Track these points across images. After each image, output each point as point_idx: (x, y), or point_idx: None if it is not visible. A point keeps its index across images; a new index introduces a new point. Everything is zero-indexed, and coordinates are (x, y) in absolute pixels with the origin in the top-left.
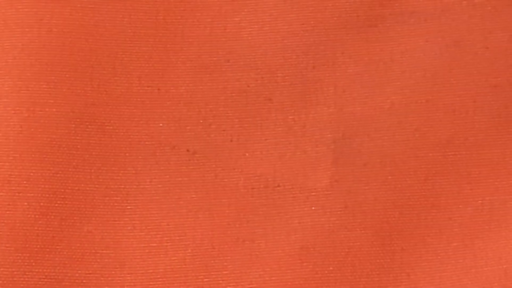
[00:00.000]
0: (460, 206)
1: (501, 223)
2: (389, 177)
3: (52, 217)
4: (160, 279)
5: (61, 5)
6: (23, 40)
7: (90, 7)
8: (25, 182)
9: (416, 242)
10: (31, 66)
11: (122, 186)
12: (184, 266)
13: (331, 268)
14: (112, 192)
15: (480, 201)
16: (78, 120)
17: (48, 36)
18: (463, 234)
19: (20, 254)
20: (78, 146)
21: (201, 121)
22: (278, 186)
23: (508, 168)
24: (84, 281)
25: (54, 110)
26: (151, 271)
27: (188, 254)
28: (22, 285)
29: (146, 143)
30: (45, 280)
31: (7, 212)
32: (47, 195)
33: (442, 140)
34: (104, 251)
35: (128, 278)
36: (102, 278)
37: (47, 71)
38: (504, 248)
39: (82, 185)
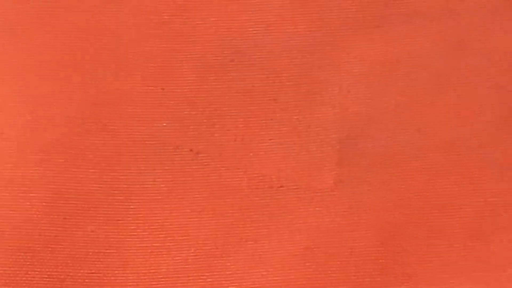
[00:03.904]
0: (463, 207)
1: (504, 225)
2: (393, 178)
3: (55, 216)
4: (163, 279)
5: (64, 5)
6: (25, 40)
7: (94, 7)
8: (28, 182)
9: (419, 243)
10: (34, 66)
11: (126, 186)
12: (187, 266)
13: (334, 268)
14: (115, 192)
15: (482, 202)
16: (81, 120)
17: (50, 37)
18: (465, 236)
19: (23, 254)
20: (81, 146)
21: (205, 121)
22: (282, 186)
23: (511, 169)
24: (86, 280)
25: (57, 110)
26: (154, 270)
27: (191, 254)
28: (24, 284)
29: (150, 142)
30: (48, 279)
31: (11, 212)
32: (50, 195)
33: (445, 141)
34: (107, 251)
35: (131, 277)
36: (105, 278)
37: (50, 72)
38: (507, 250)
39: (85, 184)
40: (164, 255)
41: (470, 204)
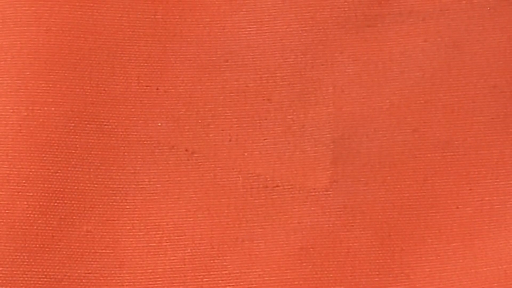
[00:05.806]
0: (460, 206)
1: (501, 224)
2: (388, 177)
3: (52, 216)
4: (159, 279)
5: (60, 4)
6: (21, 39)
7: (89, 6)
8: (24, 181)
9: (416, 242)
10: (30, 65)
11: (121, 186)
12: (183, 266)
13: (330, 269)
14: (111, 192)
15: (479, 202)
16: (77, 119)
17: (47, 35)
18: (463, 235)
19: (19, 254)
20: (77, 145)
21: (200, 121)
22: (277, 186)
23: (507, 168)
24: (83, 280)
25: (53, 109)
26: (150, 270)
27: (188, 254)
28: (21, 284)
29: (145, 142)
30: (44, 279)
31: (6, 211)
32: (46, 195)
33: (441, 140)
34: (103, 251)
35: (127, 277)
36: (101, 278)
37: (46, 70)
38: (504, 248)
39: (81, 184)
40: (161, 255)
41: (467, 204)
